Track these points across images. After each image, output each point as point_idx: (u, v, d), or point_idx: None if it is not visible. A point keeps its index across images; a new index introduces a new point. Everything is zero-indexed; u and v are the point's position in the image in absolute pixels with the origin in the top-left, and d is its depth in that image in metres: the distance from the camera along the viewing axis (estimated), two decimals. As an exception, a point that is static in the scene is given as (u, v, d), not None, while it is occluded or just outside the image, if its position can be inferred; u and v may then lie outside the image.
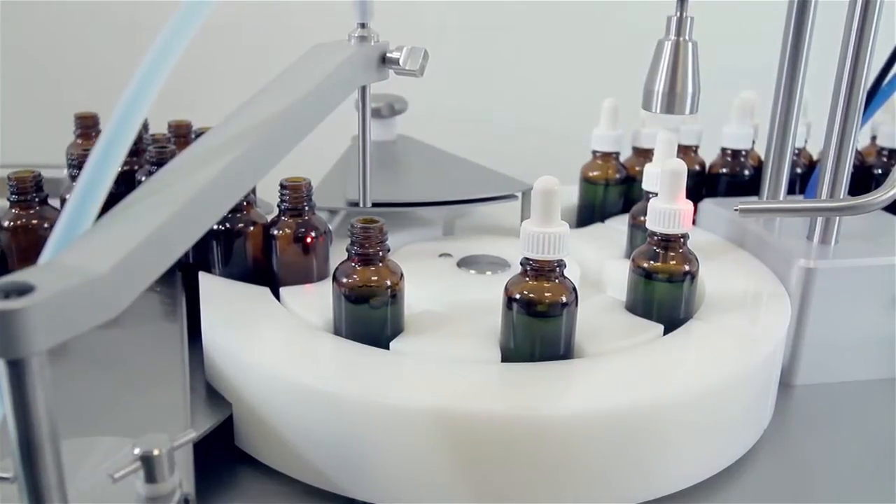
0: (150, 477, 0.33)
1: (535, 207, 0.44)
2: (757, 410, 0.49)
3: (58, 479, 0.26)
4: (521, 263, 0.45)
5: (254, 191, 0.57)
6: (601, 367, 0.45)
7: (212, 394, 0.49)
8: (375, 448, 0.42)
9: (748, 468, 0.47)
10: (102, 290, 0.27)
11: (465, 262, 0.58)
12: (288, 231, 0.54)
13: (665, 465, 0.44)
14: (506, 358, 0.46)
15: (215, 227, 0.55)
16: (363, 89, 0.47)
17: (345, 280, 0.47)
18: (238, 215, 0.55)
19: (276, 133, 0.37)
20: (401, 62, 0.46)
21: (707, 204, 0.66)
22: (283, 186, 0.53)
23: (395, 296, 0.47)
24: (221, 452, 0.47)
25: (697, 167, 0.72)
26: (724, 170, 0.72)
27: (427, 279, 0.56)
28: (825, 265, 0.54)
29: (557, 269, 0.44)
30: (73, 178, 0.60)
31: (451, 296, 0.54)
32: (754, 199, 0.67)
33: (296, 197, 0.53)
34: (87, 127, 0.70)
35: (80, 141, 0.71)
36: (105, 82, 0.62)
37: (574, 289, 0.45)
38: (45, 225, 0.56)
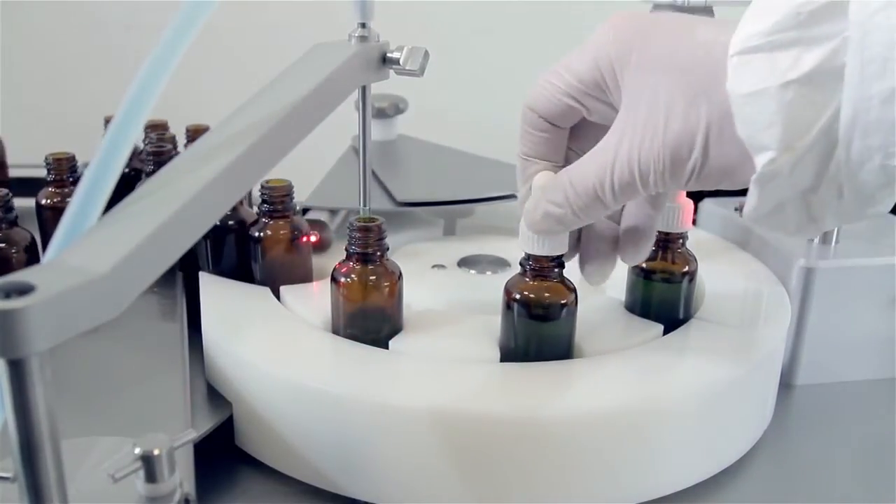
0: (151, 477, 0.33)
1: None
2: (757, 410, 0.49)
3: (58, 478, 0.26)
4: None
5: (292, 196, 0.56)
6: (601, 368, 0.45)
7: (212, 394, 0.49)
8: (375, 448, 0.42)
9: (748, 468, 0.47)
10: (103, 290, 0.27)
11: (465, 262, 0.58)
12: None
13: (665, 466, 0.44)
14: (505, 357, 0.46)
15: (223, 225, 0.55)
16: (363, 89, 0.47)
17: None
18: (279, 223, 0.54)
19: (276, 133, 0.37)
20: (401, 62, 0.46)
21: (707, 204, 0.66)
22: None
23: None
24: (222, 452, 0.47)
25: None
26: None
27: (427, 279, 0.56)
28: (825, 265, 0.54)
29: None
30: (48, 182, 0.60)
31: (451, 296, 0.54)
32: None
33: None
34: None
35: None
36: (106, 83, 0.62)
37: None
38: (13, 249, 0.54)
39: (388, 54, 0.46)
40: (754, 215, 0.35)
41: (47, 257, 0.29)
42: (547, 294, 0.44)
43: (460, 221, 0.70)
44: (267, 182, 0.53)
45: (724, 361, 0.46)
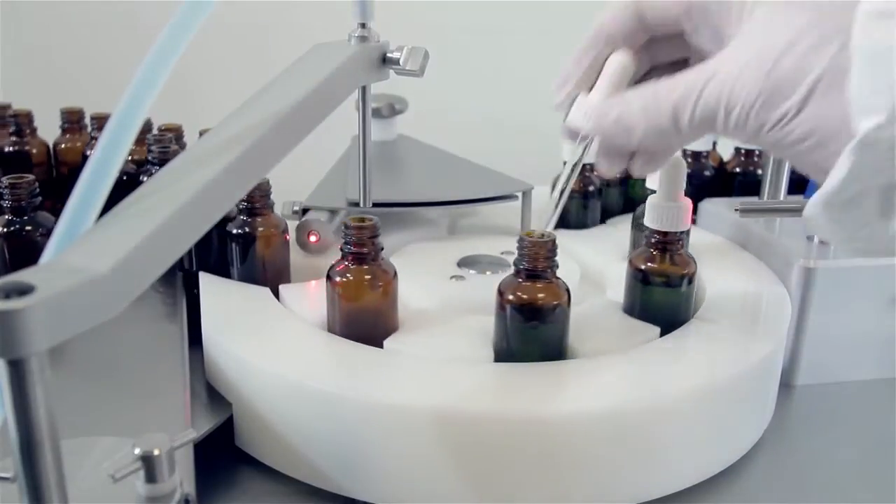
0: (151, 477, 0.33)
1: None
2: (757, 410, 0.49)
3: (58, 478, 0.26)
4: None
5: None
6: (602, 368, 0.45)
7: (212, 394, 0.49)
8: (375, 448, 0.42)
9: (748, 468, 0.47)
10: (102, 290, 0.27)
11: (465, 262, 0.58)
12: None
13: (665, 465, 0.44)
14: (498, 358, 0.46)
15: (234, 231, 0.55)
16: (363, 89, 0.47)
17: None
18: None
19: (276, 133, 0.37)
20: (401, 62, 0.46)
21: (707, 204, 0.66)
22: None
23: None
24: (221, 452, 0.47)
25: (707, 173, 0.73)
26: (738, 169, 0.72)
27: (427, 279, 0.56)
28: (825, 265, 0.54)
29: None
30: (3, 209, 0.55)
31: (450, 296, 0.54)
32: (754, 199, 0.67)
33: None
34: (72, 122, 0.73)
35: (67, 136, 0.73)
36: (105, 82, 0.62)
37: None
38: None
39: (388, 54, 0.46)
40: (830, 200, 0.32)
41: (46, 257, 0.29)
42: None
43: (460, 221, 0.70)
44: None
45: (724, 361, 0.46)
